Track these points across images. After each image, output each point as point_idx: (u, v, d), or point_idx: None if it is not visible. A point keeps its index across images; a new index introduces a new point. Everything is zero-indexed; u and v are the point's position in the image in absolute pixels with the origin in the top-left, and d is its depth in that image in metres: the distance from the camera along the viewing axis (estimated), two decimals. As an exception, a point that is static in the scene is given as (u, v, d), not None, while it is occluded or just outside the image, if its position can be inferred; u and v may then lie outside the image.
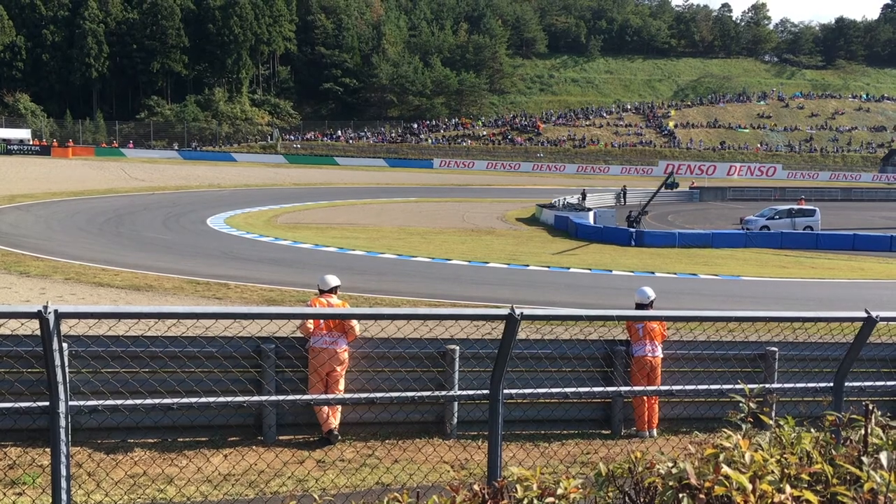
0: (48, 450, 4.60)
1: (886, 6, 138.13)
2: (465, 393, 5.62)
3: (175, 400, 4.40)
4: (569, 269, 25.30)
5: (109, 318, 4.10)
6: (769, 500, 2.30)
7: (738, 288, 22.59)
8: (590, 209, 42.68)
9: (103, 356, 7.17)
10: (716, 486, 2.33)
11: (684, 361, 9.10)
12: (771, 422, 3.01)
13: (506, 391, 4.59)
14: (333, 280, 8.67)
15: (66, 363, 3.95)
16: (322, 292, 8.60)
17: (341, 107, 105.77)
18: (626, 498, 2.65)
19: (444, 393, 6.97)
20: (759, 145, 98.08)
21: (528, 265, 25.22)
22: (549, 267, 25.19)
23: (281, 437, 8.10)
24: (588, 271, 24.94)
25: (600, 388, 7.75)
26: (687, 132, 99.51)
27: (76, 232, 29.05)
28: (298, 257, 25.23)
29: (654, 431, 9.00)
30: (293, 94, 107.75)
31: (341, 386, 8.10)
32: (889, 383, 7.56)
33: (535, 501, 2.57)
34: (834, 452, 2.76)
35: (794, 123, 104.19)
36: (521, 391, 5.24)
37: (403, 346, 8.04)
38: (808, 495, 2.32)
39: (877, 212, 51.01)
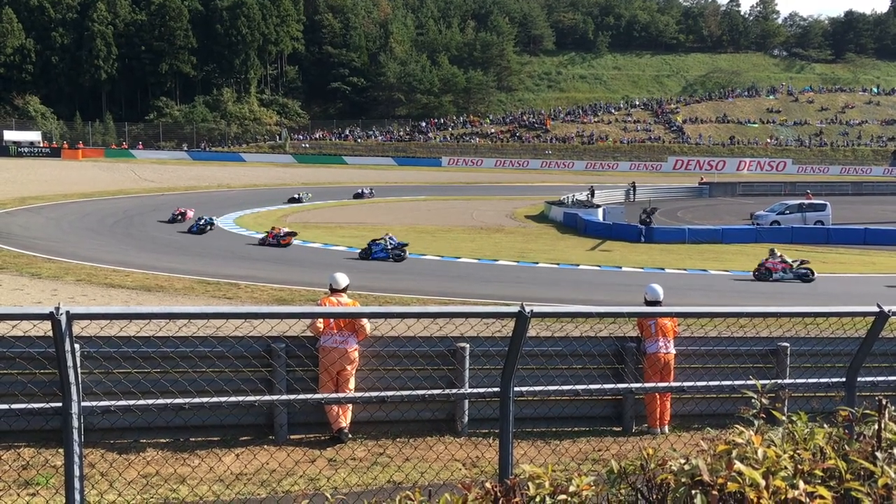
0: (61, 450, 4.63)
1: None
2: (475, 391, 5.62)
3: (187, 400, 4.41)
4: (578, 265, 25.27)
5: (121, 318, 4.11)
6: (782, 496, 2.29)
7: (749, 283, 22.50)
8: (599, 206, 42.59)
9: (115, 357, 7.20)
10: (729, 483, 2.32)
11: (695, 358, 9.06)
12: (783, 417, 2.99)
13: (516, 389, 4.58)
14: (344, 279, 8.68)
15: (79, 364, 3.97)
16: (333, 291, 8.61)
17: (349, 106, 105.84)
18: (639, 495, 2.64)
19: (454, 391, 6.97)
20: (768, 140, 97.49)
21: (537, 262, 25.20)
22: (558, 264, 25.16)
23: (292, 437, 8.11)
24: (597, 268, 24.90)
25: (611, 385, 7.71)
26: (696, 127, 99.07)
27: (87, 233, 29.19)
28: (308, 257, 25.28)
29: (666, 428, 8.97)
30: (301, 94, 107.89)
31: (352, 385, 8.11)
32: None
33: (548, 499, 2.56)
34: (847, 448, 2.75)
35: (804, 118, 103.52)
36: (531, 388, 5.24)
37: (414, 345, 8.02)
38: (822, 491, 2.30)
39: (888, 206, 50.66)
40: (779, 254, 23.05)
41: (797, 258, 23.22)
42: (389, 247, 24.20)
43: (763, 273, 22.54)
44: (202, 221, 30.52)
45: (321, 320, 8.04)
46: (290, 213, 40.62)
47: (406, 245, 24.62)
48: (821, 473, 2.48)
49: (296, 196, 45.89)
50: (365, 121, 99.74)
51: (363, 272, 20.77)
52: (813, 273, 22.60)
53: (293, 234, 27.10)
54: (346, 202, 47.73)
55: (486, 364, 8.37)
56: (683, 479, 2.44)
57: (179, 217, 33.20)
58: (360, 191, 50.48)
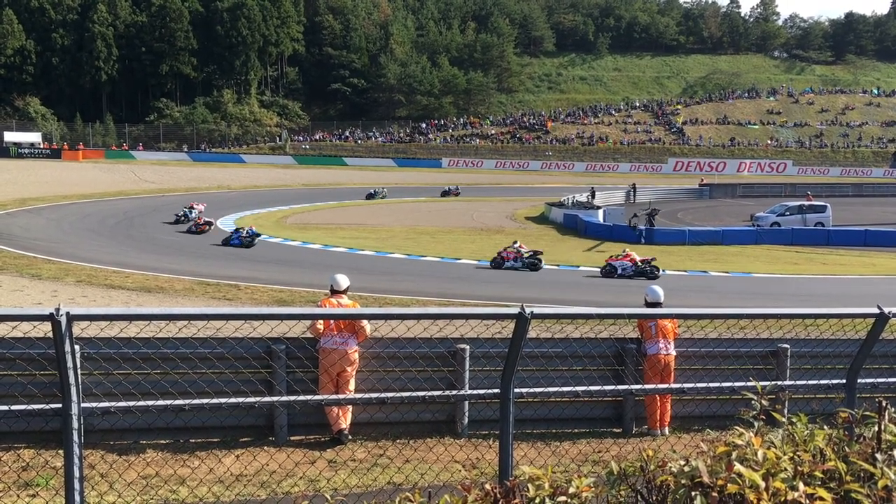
0: (61, 452, 4.63)
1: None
2: (475, 392, 5.62)
3: (187, 401, 4.41)
4: (578, 267, 25.26)
5: (121, 319, 4.11)
6: (782, 498, 2.29)
7: (750, 285, 22.50)
8: (599, 207, 42.57)
9: (115, 358, 7.20)
10: (728, 484, 2.31)
11: (696, 359, 9.06)
12: (783, 419, 2.99)
13: (516, 390, 4.58)
14: (345, 280, 8.67)
15: (79, 365, 3.97)
16: (334, 292, 8.60)
17: (350, 107, 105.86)
18: (639, 496, 2.64)
19: (454, 392, 6.96)
20: (769, 141, 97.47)
21: (537, 264, 25.18)
22: (558, 266, 25.16)
23: (292, 438, 8.11)
24: (597, 269, 24.86)
25: (611, 387, 7.71)
26: (696, 129, 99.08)
27: (87, 234, 29.20)
28: (308, 258, 25.28)
29: (666, 430, 8.96)
30: (301, 95, 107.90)
31: (352, 386, 8.10)
32: (902, 380, 7.50)
33: (547, 500, 2.56)
34: (847, 449, 2.74)
35: (805, 119, 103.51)
36: (531, 390, 5.23)
37: (414, 346, 8.01)
38: (822, 493, 2.30)
39: (888, 207, 50.65)
40: (517, 244, 24.74)
41: (531, 249, 24.65)
42: (244, 235, 27.44)
43: (498, 261, 24.11)
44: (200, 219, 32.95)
45: (321, 322, 8.04)
46: (291, 214, 40.63)
47: (259, 235, 27.96)
48: (821, 475, 2.48)
49: (372, 192, 51.47)
50: (365, 122, 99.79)
51: (365, 273, 20.78)
52: (541, 262, 23.98)
53: (210, 223, 31.76)
54: (346, 203, 47.73)
55: (486, 365, 8.37)
56: (683, 481, 2.44)
57: (183, 215, 33.46)
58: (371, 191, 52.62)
